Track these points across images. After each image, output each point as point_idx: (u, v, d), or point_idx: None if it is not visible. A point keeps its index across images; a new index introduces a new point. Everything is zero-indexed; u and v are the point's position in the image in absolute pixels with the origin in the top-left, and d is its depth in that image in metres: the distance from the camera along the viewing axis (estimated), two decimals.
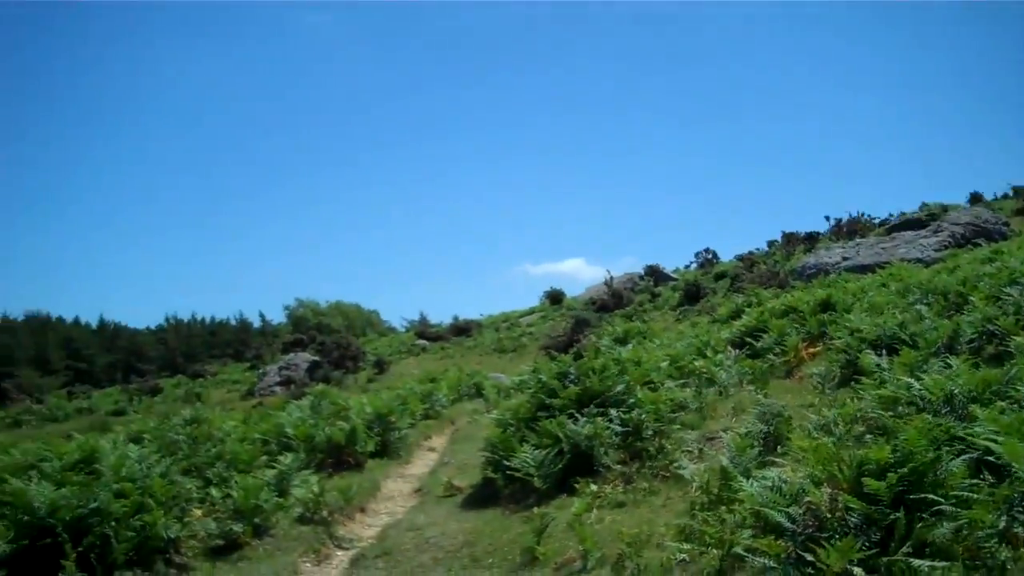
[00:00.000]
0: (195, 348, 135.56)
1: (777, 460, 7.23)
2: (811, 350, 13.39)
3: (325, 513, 9.91)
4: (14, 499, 8.18)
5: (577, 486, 8.76)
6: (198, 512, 9.60)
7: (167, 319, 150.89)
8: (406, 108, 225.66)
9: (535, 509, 8.41)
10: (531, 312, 50.51)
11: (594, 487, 8.58)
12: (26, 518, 7.93)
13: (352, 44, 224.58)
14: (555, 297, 50.51)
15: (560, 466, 9.28)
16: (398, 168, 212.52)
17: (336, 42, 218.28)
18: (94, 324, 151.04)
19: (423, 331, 52.38)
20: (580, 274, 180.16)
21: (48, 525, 7.84)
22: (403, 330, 65.53)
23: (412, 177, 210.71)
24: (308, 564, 8.82)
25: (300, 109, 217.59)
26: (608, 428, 9.56)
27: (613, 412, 9.97)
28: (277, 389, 34.11)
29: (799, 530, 5.18)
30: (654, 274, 45.91)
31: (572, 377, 11.04)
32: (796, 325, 15.06)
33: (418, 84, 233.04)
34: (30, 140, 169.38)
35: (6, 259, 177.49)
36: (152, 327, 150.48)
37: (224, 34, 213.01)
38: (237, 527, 9.01)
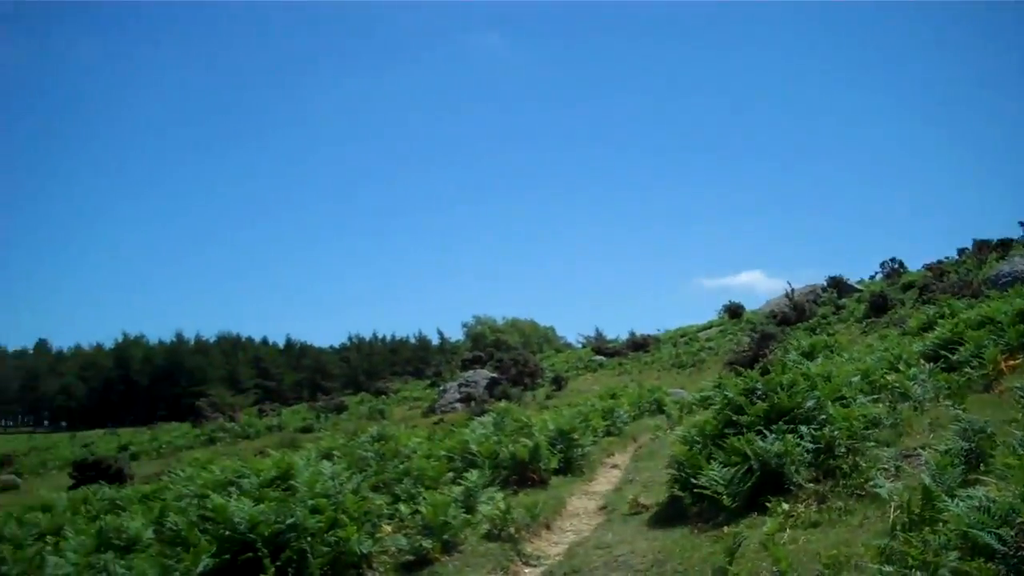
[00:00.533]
0: (376, 366, 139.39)
1: (982, 478, 6.89)
2: (1011, 362, 12.72)
3: (512, 530, 9.94)
4: (216, 515, 8.52)
5: (768, 505, 8.54)
6: (388, 528, 9.78)
7: (349, 338, 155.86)
8: (578, 121, 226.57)
9: (725, 528, 8.24)
10: (709, 326, 49.89)
11: (786, 506, 8.35)
12: (228, 533, 8.24)
13: (520, 60, 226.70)
14: (734, 311, 49.73)
15: (749, 484, 9.06)
16: (570, 183, 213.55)
17: (505, 60, 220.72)
18: (281, 344, 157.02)
19: (600, 347, 52.38)
20: (757, 287, 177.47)
21: (248, 540, 8.12)
22: (579, 346, 65.72)
23: (585, 192, 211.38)
24: None
25: (475, 130, 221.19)
26: (799, 445, 9.30)
27: (803, 429, 9.69)
28: (457, 406, 34.57)
29: (1011, 552, 4.93)
30: (837, 285, 44.62)
31: (759, 393, 10.79)
32: (993, 336, 14.36)
33: (591, 94, 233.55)
34: (212, 167, 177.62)
35: (202, 282, 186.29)
36: (335, 346, 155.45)
37: (407, 56, 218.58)
38: (427, 543, 9.13)
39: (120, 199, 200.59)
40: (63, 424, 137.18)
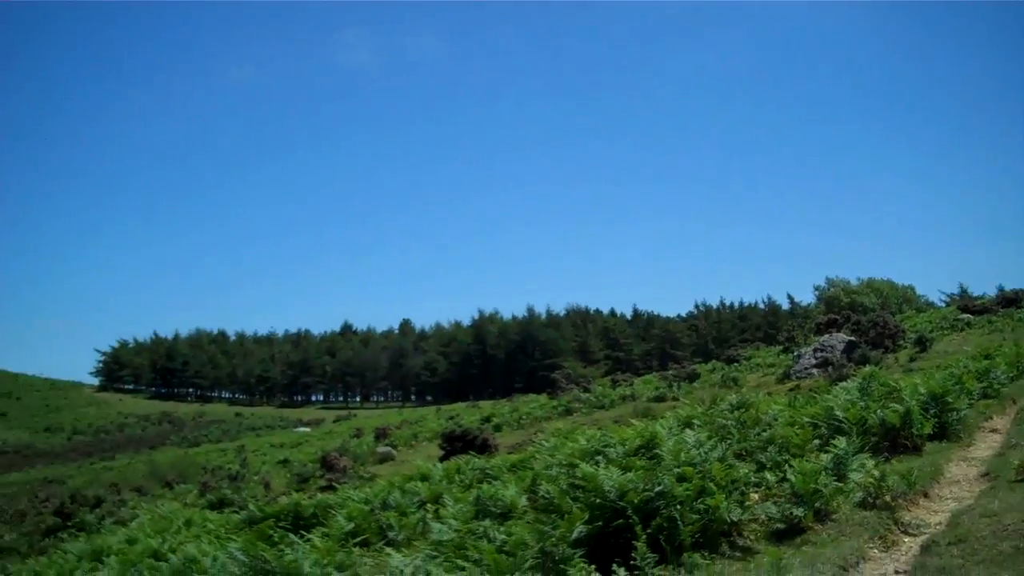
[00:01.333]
0: (725, 333, 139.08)
1: None
2: None
3: (888, 498, 9.52)
4: (587, 483, 8.71)
5: None
6: (755, 496, 9.64)
7: (696, 306, 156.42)
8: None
9: None
10: None
11: None
12: (599, 501, 8.40)
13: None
14: None
15: None
16: (930, 131, 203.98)
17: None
18: (628, 314, 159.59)
19: (965, 304, 49.38)
20: None
21: (619, 507, 8.24)
22: (942, 305, 62.36)
23: (944, 142, 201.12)
24: (875, 550, 8.49)
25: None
26: None
27: None
28: (813, 372, 33.62)
29: None
30: None
31: None
32: None
33: None
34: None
35: (550, 258, 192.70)
36: (683, 315, 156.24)
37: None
38: (798, 511, 8.92)
39: (479, 190, 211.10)
40: (428, 398, 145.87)
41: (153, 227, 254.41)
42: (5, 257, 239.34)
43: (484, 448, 26.35)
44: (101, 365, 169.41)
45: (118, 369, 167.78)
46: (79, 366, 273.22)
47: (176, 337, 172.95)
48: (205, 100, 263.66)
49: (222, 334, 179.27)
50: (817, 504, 9.10)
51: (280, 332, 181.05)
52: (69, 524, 29.89)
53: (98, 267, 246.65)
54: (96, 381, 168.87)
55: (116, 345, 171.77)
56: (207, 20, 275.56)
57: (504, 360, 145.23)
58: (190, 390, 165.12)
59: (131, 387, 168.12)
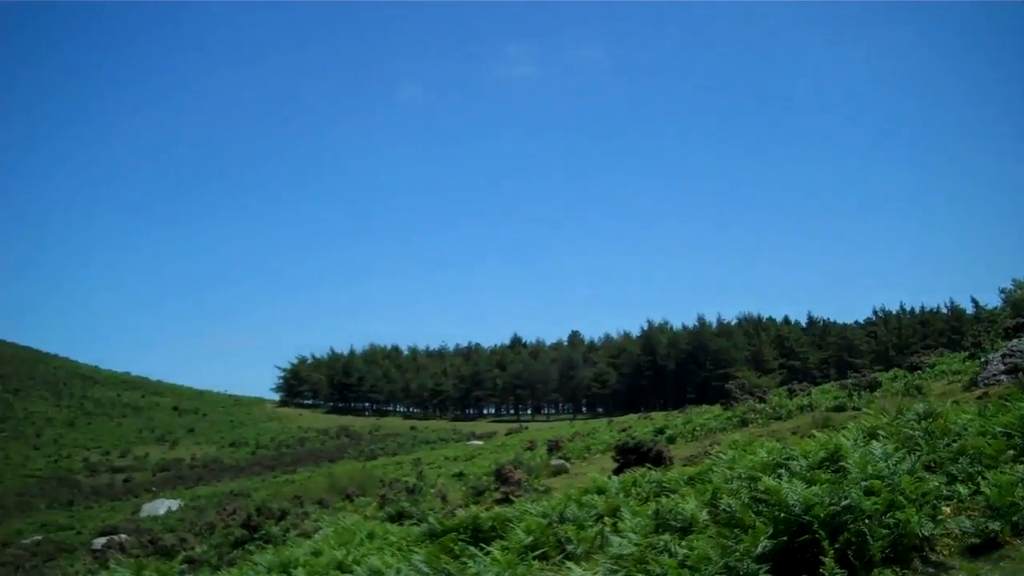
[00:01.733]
0: (906, 339, 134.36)
1: None
2: None
3: None
4: (769, 496, 8.54)
5: None
6: (947, 509, 9.28)
7: (875, 312, 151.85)
8: None
9: None
10: None
11: None
12: (783, 515, 8.21)
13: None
14: None
15: None
16: None
17: None
18: (803, 322, 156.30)
19: None
20: None
21: (804, 522, 8.05)
22: None
23: None
24: None
25: None
26: None
27: None
28: (1002, 378, 32.17)
29: None
30: None
31: None
32: None
33: None
34: None
35: (723, 265, 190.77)
36: (860, 321, 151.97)
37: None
38: (993, 525, 8.53)
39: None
40: (599, 410, 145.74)
41: (328, 245, 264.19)
42: (193, 280, 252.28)
43: (659, 460, 26.05)
44: (281, 381, 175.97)
45: (297, 385, 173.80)
46: (261, 382, 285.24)
47: (351, 353, 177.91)
48: (380, 116, 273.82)
49: (395, 349, 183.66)
50: (1014, 518, 8.69)
51: (451, 346, 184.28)
52: (256, 536, 30.80)
53: (278, 286, 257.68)
54: (277, 397, 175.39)
55: (295, 361, 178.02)
56: (377, 37, 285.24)
57: (675, 370, 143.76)
58: (366, 404, 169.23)
59: (310, 402, 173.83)
